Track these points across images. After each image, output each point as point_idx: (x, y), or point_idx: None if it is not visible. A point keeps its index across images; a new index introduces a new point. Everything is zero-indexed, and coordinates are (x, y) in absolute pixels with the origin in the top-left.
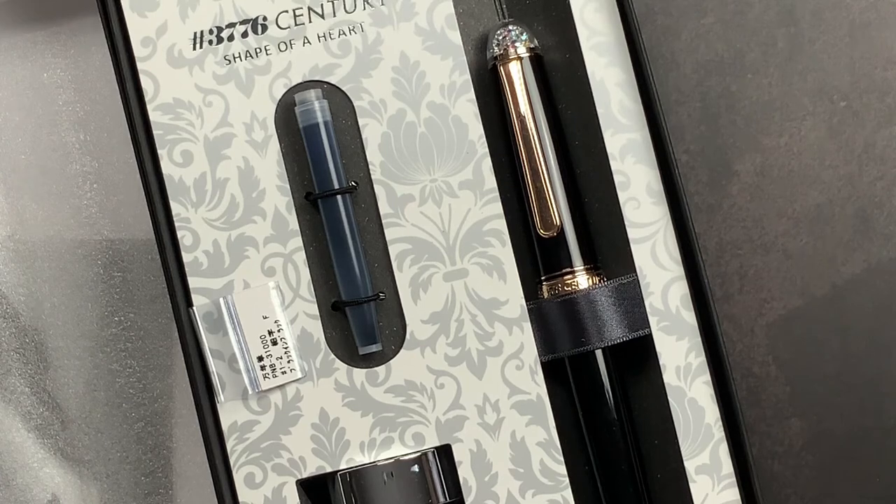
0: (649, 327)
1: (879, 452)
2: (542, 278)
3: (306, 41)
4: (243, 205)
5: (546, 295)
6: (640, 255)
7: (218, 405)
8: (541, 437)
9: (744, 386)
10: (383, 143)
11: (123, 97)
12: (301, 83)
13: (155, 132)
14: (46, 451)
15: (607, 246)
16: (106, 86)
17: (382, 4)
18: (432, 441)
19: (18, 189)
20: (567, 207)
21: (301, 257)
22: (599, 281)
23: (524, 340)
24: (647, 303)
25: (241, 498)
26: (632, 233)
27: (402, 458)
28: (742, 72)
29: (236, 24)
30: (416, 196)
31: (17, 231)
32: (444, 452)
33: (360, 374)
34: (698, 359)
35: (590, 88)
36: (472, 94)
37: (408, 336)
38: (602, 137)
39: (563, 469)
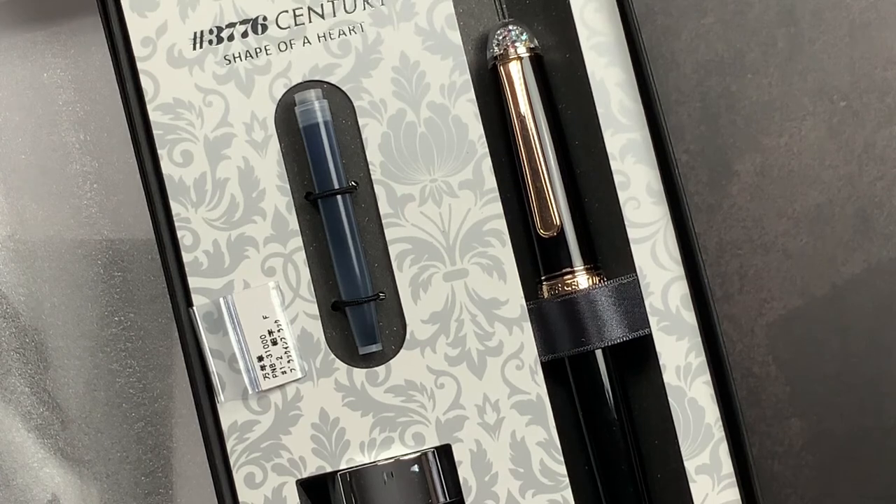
0: (649, 327)
1: (879, 452)
2: (542, 278)
3: (306, 41)
4: (243, 205)
5: (546, 295)
6: (640, 255)
7: (218, 405)
8: (541, 437)
9: (744, 386)
10: (383, 143)
11: (123, 97)
12: (301, 83)
13: (155, 132)
14: (46, 451)
15: (607, 246)
16: (106, 86)
17: (382, 4)
18: (432, 441)
19: (18, 189)
20: (567, 207)
21: (301, 257)
22: (599, 281)
23: (524, 340)
24: (647, 303)
25: (241, 498)
26: (632, 233)
27: (402, 458)
28: (742, 72)
29: (236, 24)
30: (416, 196)
31: (17, 231)
32: (444, 452)
33: (360, 374)
34: (698, 359)
35: (590, 88)
36: (472, 94)
37: (408, 336)
38: (602, 137)
39: (563, 469)
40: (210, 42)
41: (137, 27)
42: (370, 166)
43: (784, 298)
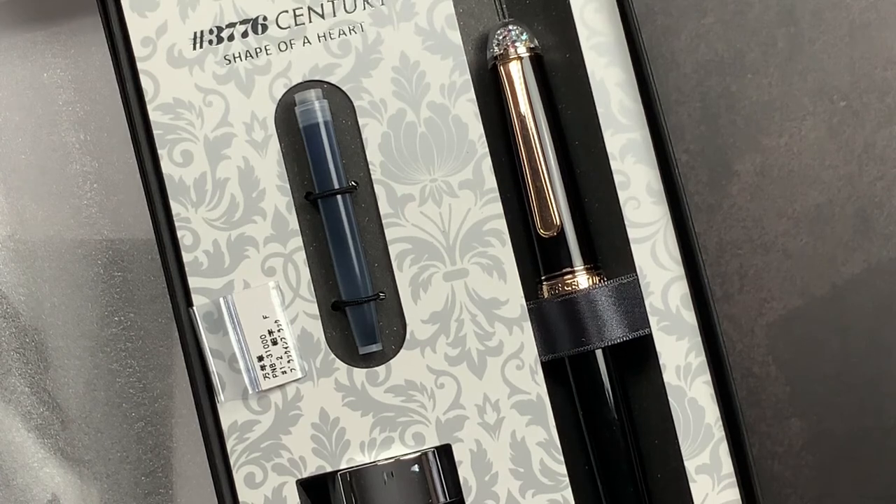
0: (649, 327)
1: (879, 452)
2: (542, 278)
3: (306, 41)
4: (243, 205)
5: (546, 295)
6: (640, 255)
7: (218, 405)
8: (541, 437)
9: (744, 386)
10: (383, 142)
11: (123, 97)
12: (301, 83)
13: (155, 132)
14: (46, 451)
15: (607, 246)
16: (106, 86)
17: (382, 4)
18: (432, 441)
19: (18, 189)
20: (567, 207)
21: (301, 257)
22: (599, 281)
23: (524, 340)
24: (647, 303)
25: (241, 498)
26: (632, 233)
27: (402, 458)
28: (742, 72)
29: (236, 24)
30: (416, 196)
31: (17, 231)
32: (444, 452)
33: (360, 373)
34: (698, 359)
35: (590, 88)
36: (472, 94)
37: (408, 336)
38: (602, 137)
39: (563, 469)
40: (210, 42)
41: (137, 27)
42: (370, 166)
43: (784, 298)
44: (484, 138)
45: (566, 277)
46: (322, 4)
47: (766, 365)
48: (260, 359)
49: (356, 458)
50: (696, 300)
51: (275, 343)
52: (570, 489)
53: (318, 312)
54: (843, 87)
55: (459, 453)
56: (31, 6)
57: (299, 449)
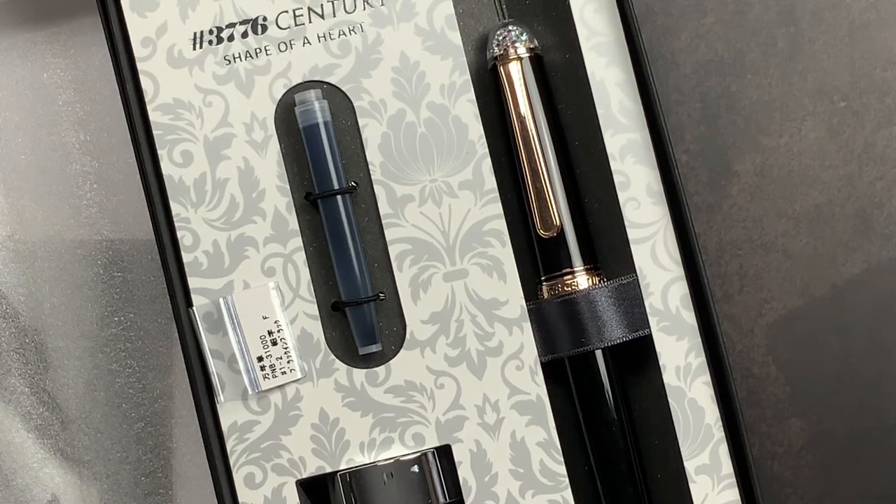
0: (649, 327)
1: (879, 452)
2: (542, 278)
3: (306, 41)
4: (243, 205)
5: (546, 295)
6: (640, 256)
7: (218, 405)
8: (541, 437)
9: (744, 386)
10: (383, 143)
11: (123, 97)
12: (301, 83)
13: (155, 132)
14: (46, 451)
15: (607, 246)
16: (106, 86)
17: (382, 4)
18: (432, 441)
19: (18, 189)
20: (567, 207)
21: (301, 257)
22: (599, 281)
23: (524, 341)
24: (647, 303)
25: (241, 498)
26: (632, 233)
27: (402, 459)
28: (742, 72)
29: (236, 24)
30: (416, 196)
31: (17, 231)
32: (444, 452)
33: (360, 374)
34: (698, 359)
35: (590, 88)
36: (472, 95)
37: (408, 336)
38: (602, 137)
39: (563, 469)
40: (210, 42)
41: (137, 27)
42: (370, 166)
43: (784, 298)
44: (484, 139)
45: (566, 278)
46: (322, 5)
47: (766, 365)
48: (260, 359)
49: (356, 458)
50: (696, 300)
51: (274, 343)
52: (570, 489)
53: (317, 313)
54: (843, 87)
55: (459, 454)
56: (31, 6)
57: (299, 449)
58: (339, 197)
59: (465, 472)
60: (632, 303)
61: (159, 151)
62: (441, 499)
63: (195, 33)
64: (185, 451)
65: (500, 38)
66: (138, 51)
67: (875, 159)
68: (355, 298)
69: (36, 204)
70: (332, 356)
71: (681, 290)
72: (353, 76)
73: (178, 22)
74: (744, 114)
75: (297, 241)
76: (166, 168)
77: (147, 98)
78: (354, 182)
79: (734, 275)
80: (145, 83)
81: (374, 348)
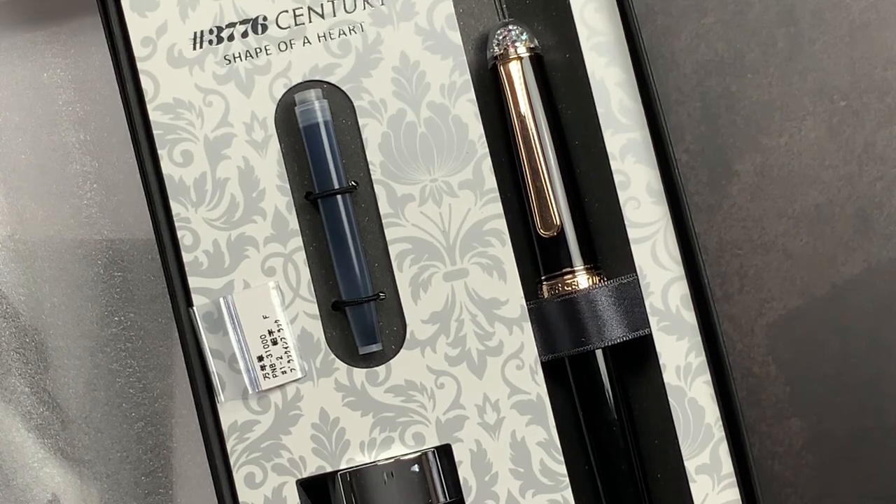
0: (649, 327)
1: (879, 452)
2: (542, 278)
3: (306, 41)
4: (243, 205)
5: (546, 295)
6: (640, 255)
7: (218, 405)
8: (541, 437)
9: (744, 386)
10: (383, 142)
11: (123, 97)
12: (301, 83)
13: (155, 132)
14: (46, 451)
15: (607, 246)
16: (106, 86)
17: (382, 4)
18: (432, 441)
19: (18, 189)
20: (567, 207)
21: (301, 257)
22: (599, 281)
23: (524, 340)
24: (647, 303)
25: (241, 498)
26: (632, 233)
27: (402, 458)
28: (742, 72)
29: (236, 23)
30: (416, 196)
31: (17, 231)
32: (444, 452)
33: (360, 373)
34: (698, 359)
35: (590, 88)
36: (472, 94)
37: (408, 336)
38: (602, 137)
39: (563, 469)
40: (210, 42)
41: (137, 27)
42: (370, 166)
43: (784, 298)
44: (484, 138)
45: (566, 277)
46: (322, 4)
47: (766, 365)
48: (260, 359)
49: (356, 458)
50: (696, 300)
51: (275, 343)
52: (570, 489)
53: (318, 312)
54: (843, 87)
55: (459, 453)
56: (31, 6)
57: (299, 449)
58: (339, 196)
59: (465, 472)
60: (632, 302)
61: (159, 151)
62: (441, 498)
63: (195, 33)
64: (186, 451)
65: (501, 37)
66: (138, 50)
67: (875, 159)
68: (355, 298)
69: (36, 204)
70: (333, 356)
71: (681, 289)
72: (354, 76)
73: (178, 22)
74: (744, 114)
75: (298, 241)
76: (166, 168)
77: (147, 98)
78: (354, 182)
79: (734, 275)
80: (145, 83)
81: (375, 348)
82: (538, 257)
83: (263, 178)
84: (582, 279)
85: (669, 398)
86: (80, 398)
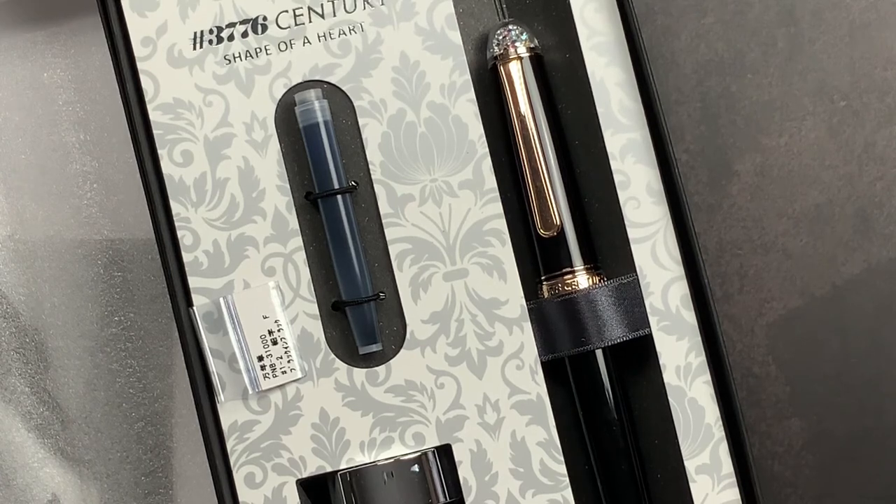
0: (649, 327)
1: (879, 452)
2: (542, 278)
3: (306, 41)
4: (243, 205)
5: (546, 295)
6: (640, 255)
7: (218, 405)
8: (541, 437)
9: (744, 386)
10: (383, 142)
11: (123, 97)
12: (301, 83)
13: (155, 132)
14: (46, 451)
15: (607, 246)
16: (106, 86)
17: (382, 4)
18: (432, 441)
19: (18, 189)
20: (567, 207)
21: (301, 257)
22: (599, 281)
23: (524, 340)
24: (647, 303)
25: (241, 498)
26: (632, 233)
27: (402, 458)
28: (742, 72)
29: (236, 23)
30: (416, 196)
31: (17, 231)
32: (444, 452)
33: (360, 373)
34: (698, 359)
35: (590, 88)
36: (472, 94)
37: (408, 336)
38: (602, 137)
39: (563, 469)
40: (210, 42)
41: (137, 27)
42: (370, 166)
43: (784, 298)
44: (484, 138)
45: (566, 277)
46: (322, 4)
47: (766, 365)
48: (260, 359)
49: (356, 458)
50: (696, 300)
51: (275, 343)
52: (570, 489)
53: (318, 312)
54: (843, 87)
55: (459, 453)
56: (31, 6)
57: (299, 449)
58: (339, 196)
59: (465, 472)
60: (632, 302)
61: (159, 151)
62: (441, 498)
63: (195, 33)
64: (185, 451)
65: (501, 37)
66: (138, 50)
67: (875, 159)
68: (355, 298)
69: (36, 204)
70: (333, 356)
71: (681, 289)
72: (353, 76)
73: (178, 22)
74: (744, 114)
75: (298, 241)
76: (166, 168)
77: (147, 98)
78: (354, 182)
79: (734, 275)
80: (145, 83)
81: (375, 348)
82: (538, 257)
83: (263, 178)
84: (582, 279)
85: (669, 398)
86: (80, 398)
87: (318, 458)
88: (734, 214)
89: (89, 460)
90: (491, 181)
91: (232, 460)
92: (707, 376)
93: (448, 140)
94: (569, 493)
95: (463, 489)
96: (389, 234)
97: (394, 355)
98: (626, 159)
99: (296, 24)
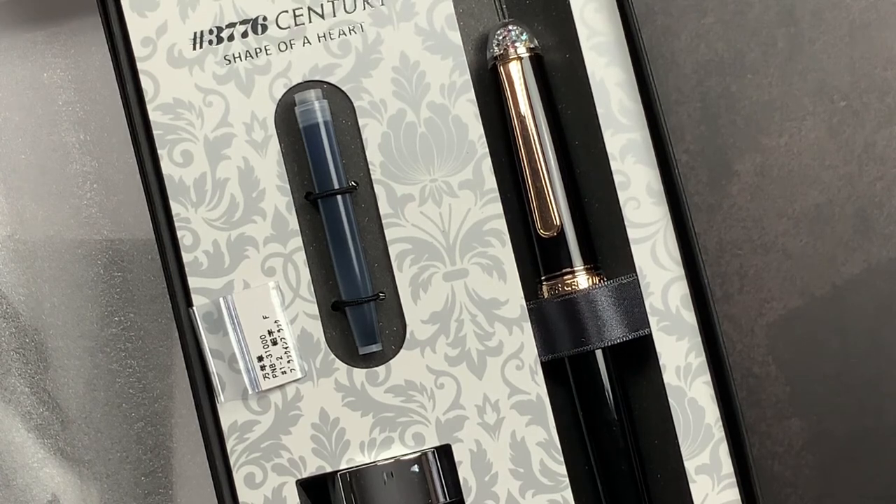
0: (649, 327)
1: (879, 452)
2: (542, 278)
3: (306, 41)
4: (243, 205)
5: (546, 295)
6: (640, 255)
7: (218, 405)
8: (541, 437)
9: (744, 386)
10: (383, 143)
11: (123, 97)
12: (301, 83)
13: (155, 132)
14: (46, 451)
15: (607, 246)
16: (106, 86)
17: (382, 4)
18: (432, 441)
19: (18, 189)
20: (567, 207)
21: (301, 257)
22: (599, 281)
23: (524, 340)
24: (647, 303)
25: (241, 498)
26: (632, 233)
27: (402, 458)
28: (742, 72)
29: (236, 24)
30: (416, 196)
31: (17, 231)
32: (444, 452)
33: (360, 374)
34: (698, 359)
35: (590, 88)
36: (472, 94)
37: (408, 336)
38: (602, 137)
39: (563, 469)
40: (210, 42)
41: (137, 27)
42: (370, 166)
43: (784, 298)
44: (484, 138)
45: (566, 277)
46: (322, 4)
47: (766, 365)
48: (260, 359)
49: (356, 458)
50: (696, 300)
51: (275, 343)
52: (570, 489)
53: (318, 312)
54: (843, 87)
55: (459, 453)
56: (31, 6)
57: (299, 449)
58: (339, 197)
59: (465, 472)
60: (632, 302)
61: (159, 151)
62: (441, 499)
63: (195, 33)
64: (185, 451)
65: (500, 37)
66: (138, 51)
67: (875, 159)
68: (355, 298)
69: (36, 204)
70: (333, 356)
71: (681, 289)
72: (353, 76)
73: (178, 22)
74: (744, 114)
75: (297, 241)
76: (166, 168)
77: (147, 98)
78: (354, 182)
79: (734, 275)
80: (145, 83)
81: (374, 348)
82: (538, 257)
83: (263, 178)
84: (582, 279)
85: (669, 398)
86: (80, 398)
87: (318, 459)
88: (734, 214)
89: (89, 460)
90: (491, 181)
91: (232, 460)
92: (707, 376)
93: (448, 140)
94: (569, 494)
95: (463, 489)
96: (389, 234)
97: (394, 355)
98: (626, 159)
99: (296, 25)
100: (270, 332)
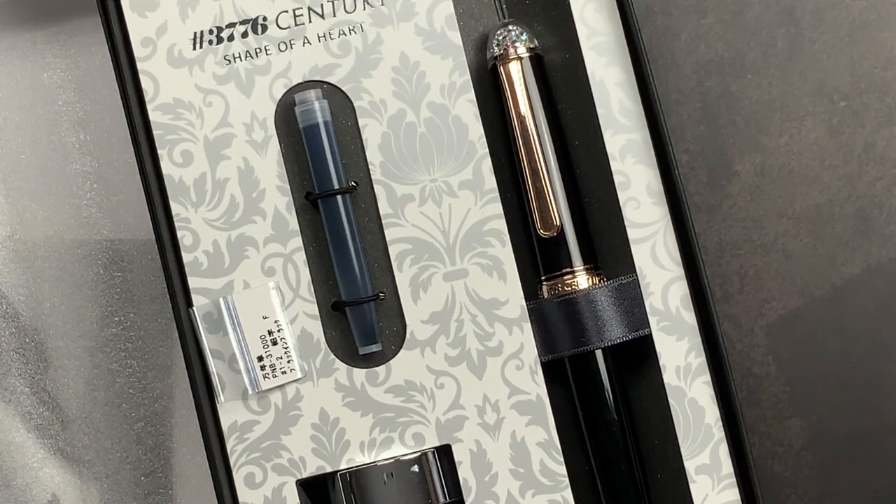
0: (649, 327)
1: (879, 452)
2: (542, 278)
3: (306, 41)
4: (243, 205)
5: (546, 295)
6: (640, 255)
7: (218, 405)
8: (541, 437)
9: (744, 386)
10: (383, 143)
11: (123, 97)
12: (301, 83)
13: (155, 132)
14: (46, 451)
15: (607, 246)
16: (106, 86)
17: (382, 4)
18: (432, 441)
19: (18, 189)
20: (567, 207)
21: (301, 257)
22: (599, 281)
23: (524, 340)
24: (647, 303)
25: (241, 498)
26: (632, 233)
27: (402, 458)
28: (742, 72)
29: (236, 24)
30: (416, 196)
31: (17, 231)
32: (444, 452)
33: (360, 374)
34: (698, 359)
35: (590, 88)
36: (472, 95)
37: (408, 336)
38: (602, 137)
39: (563, 469)
40: (210, 42)
41: (137, 27)
42: (370, 166)
43: (784, 298)
44: (484, 139)
45: (566, 278)
46: (322, 4)
47: (766, 365)
48: (260, 359)
49: (356, 458)
50: (696, 300)
51: (275, 343)
52: (570, 489)
53: (318, 312)
54: (843, 87)
55: (459, 453)
56: (31, 6)
57: (299, 449)
58: (339, 197)
59: (465, 472)
60: (632, 303)
61: (159, 151)
62: (441, 499)
63: (195, 33)
64: (185, 451)
65: (500, 37)
66: (138, 51)
67: (875, 159)
68: (355, 298)
69: (36, 204)
70: (332, 356)
71: (681, 290)
72: (353, 76)
73: (178, 22)
74: (744, 114)
75: (297, 241)
76: (166, 168)
77: (147, 98)
78: (354, 182)
79: (734, 275)
80: (145, 83)
81: (374, 348)
82: (538, 257)
83: (263, 179)
84: (582, 279)
85: (669, 398)
86: (80, 398)
87: (318, 459)
88: (734, 215)
89: (89, 460)
90: (491, 181)
91: (232, 460)
92: (707, 376)
93: (448, 140)
94: (569, 494)
95: (463, 489)
96: (389, 234)
97: (394, 355)
98: (626, 160)
99: (296, 25)
100: (270, 332)
